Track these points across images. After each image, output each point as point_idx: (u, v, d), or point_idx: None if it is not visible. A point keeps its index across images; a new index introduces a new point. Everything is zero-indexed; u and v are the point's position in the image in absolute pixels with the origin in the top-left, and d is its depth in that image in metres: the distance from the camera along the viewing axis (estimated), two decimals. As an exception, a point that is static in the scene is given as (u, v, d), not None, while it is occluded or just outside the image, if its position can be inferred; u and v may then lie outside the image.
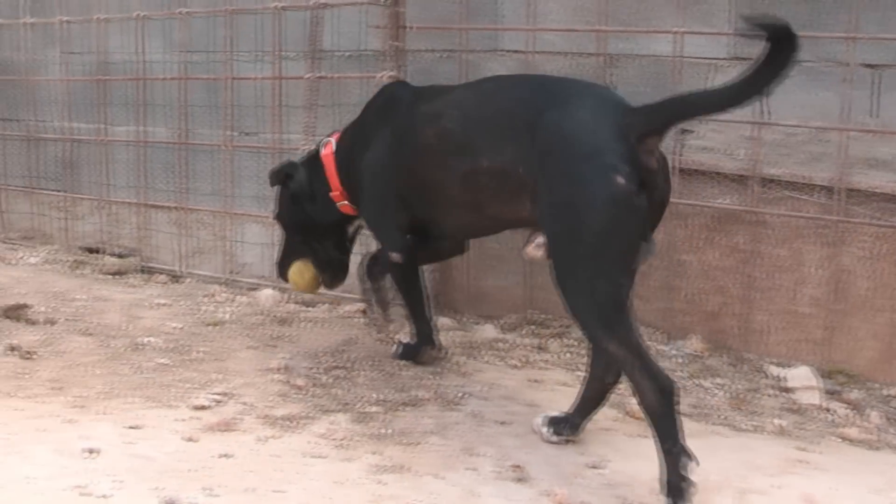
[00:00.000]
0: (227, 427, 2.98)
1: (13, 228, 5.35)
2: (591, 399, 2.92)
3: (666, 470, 2.49)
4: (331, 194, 3.42)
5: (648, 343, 3.66)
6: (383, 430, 2.93)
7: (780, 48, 2.33)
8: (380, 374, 3.40)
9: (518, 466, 2.72)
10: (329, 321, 3.96)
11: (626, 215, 2.51)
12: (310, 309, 4.09)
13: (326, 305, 4.12)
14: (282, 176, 3.52)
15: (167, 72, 4.79)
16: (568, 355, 3.67)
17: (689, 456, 2.48)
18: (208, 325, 3.99)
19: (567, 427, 2.92)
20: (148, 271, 4.71)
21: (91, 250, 4.93)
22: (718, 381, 3.45)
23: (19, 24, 5.26)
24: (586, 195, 2.52)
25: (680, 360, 3.60)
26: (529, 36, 3.92)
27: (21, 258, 4.96)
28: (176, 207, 4.75)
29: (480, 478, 2.67)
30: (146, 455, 2.80)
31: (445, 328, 3.85)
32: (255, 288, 4.40)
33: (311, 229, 3.50)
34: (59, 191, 5.22)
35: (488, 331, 3.80)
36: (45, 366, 3.55)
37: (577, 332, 3.66)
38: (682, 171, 3.68)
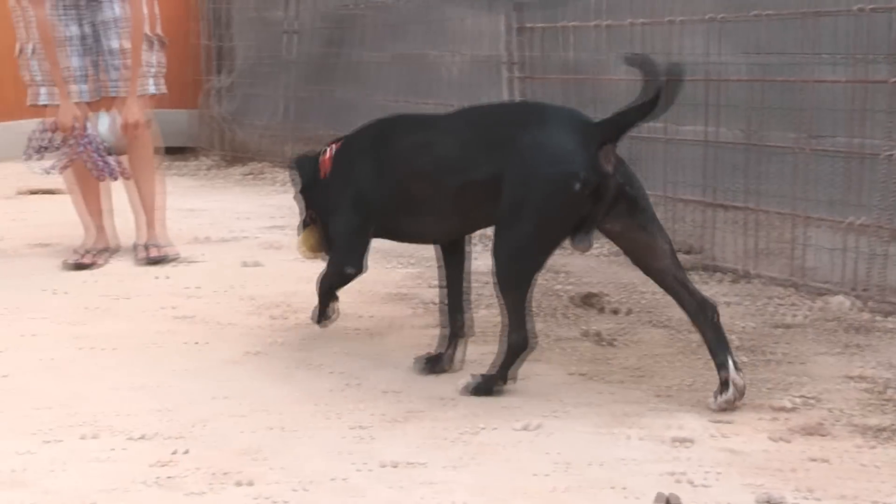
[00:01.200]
0: (815, 431, 2.97)
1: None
2: None
3: (493, 372, 3.37)
4: None
5: None
6: None
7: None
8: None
9: None
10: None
11: (571, 214, 3.20)
12: (888, 319, 3.96)
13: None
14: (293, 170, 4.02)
15: (737, 73, 4.82)
16: None
17: (505, 381, 3.35)
18: (777, 327, 3.99)
19: None
20: (711, 269, 4.77)
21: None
22: None
23: (590, 27, 5.49)
24: (548, 193, 3.19)
25: None
26: None
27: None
28: (742, 207, 4.77)
29: None
30: (737, 450, 2.87)
31: None
32: (824, 293, 4.31)
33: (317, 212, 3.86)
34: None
35: None
36: (623, 354, 3.72)
37: None
38: None
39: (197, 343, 3.94)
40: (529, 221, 3.22)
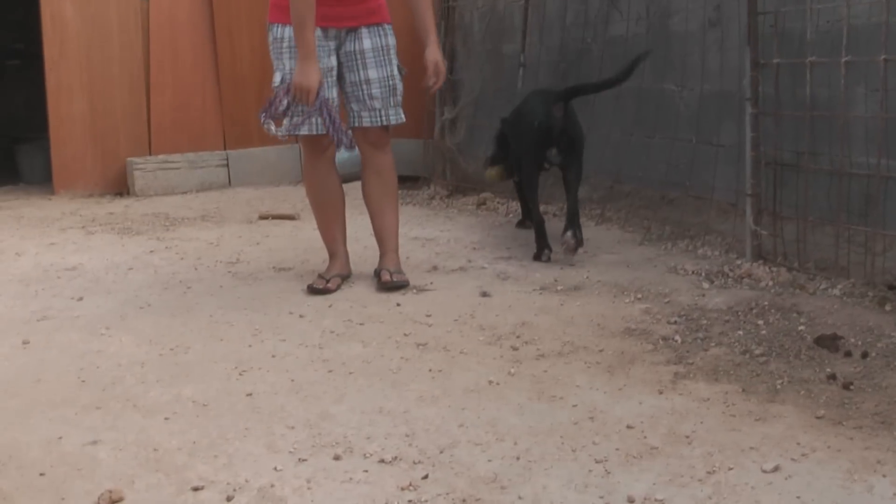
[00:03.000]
0: None
1: (808, 258, 5.47)
2: None
3: (536, 244, 5.77)
4: None
5: None
6: None
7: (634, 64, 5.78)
8: None
9: None
10: None
11: (538, 140, 5.67)
12: None
13: None
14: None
15: None
16: None
17: (550, 248, 5.73)
18: None
19: None
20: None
21: (892, 287, 4.91)
22: None
23: (834, 63, 5.32)
24: (525, 129, 5.81)
25: None
26: None
27: (819, 288, 5.08)
28: None
29: None
30: None
31: None
32: None
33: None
34: (859, 226, 5.26)
35: None
36: (865, 398, 3.62)
37: None
38: None
39: (432, 370, 4.03)
40: (521, 148, 5.96)
